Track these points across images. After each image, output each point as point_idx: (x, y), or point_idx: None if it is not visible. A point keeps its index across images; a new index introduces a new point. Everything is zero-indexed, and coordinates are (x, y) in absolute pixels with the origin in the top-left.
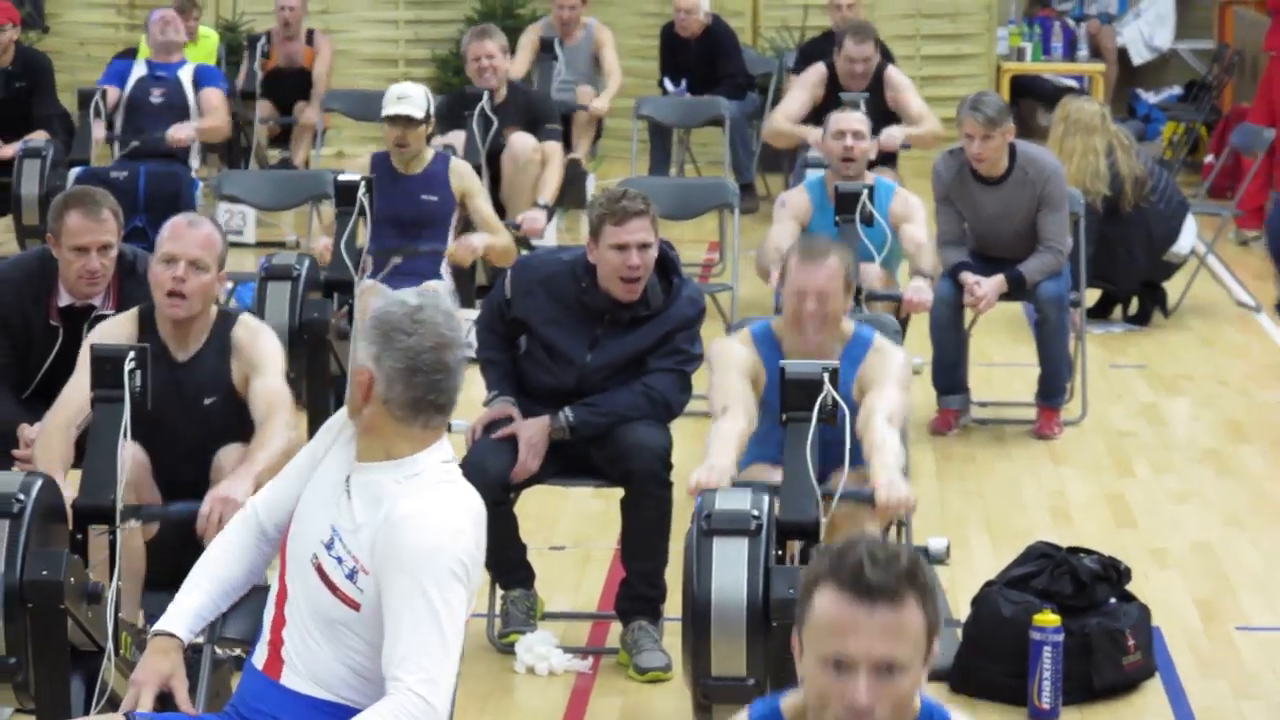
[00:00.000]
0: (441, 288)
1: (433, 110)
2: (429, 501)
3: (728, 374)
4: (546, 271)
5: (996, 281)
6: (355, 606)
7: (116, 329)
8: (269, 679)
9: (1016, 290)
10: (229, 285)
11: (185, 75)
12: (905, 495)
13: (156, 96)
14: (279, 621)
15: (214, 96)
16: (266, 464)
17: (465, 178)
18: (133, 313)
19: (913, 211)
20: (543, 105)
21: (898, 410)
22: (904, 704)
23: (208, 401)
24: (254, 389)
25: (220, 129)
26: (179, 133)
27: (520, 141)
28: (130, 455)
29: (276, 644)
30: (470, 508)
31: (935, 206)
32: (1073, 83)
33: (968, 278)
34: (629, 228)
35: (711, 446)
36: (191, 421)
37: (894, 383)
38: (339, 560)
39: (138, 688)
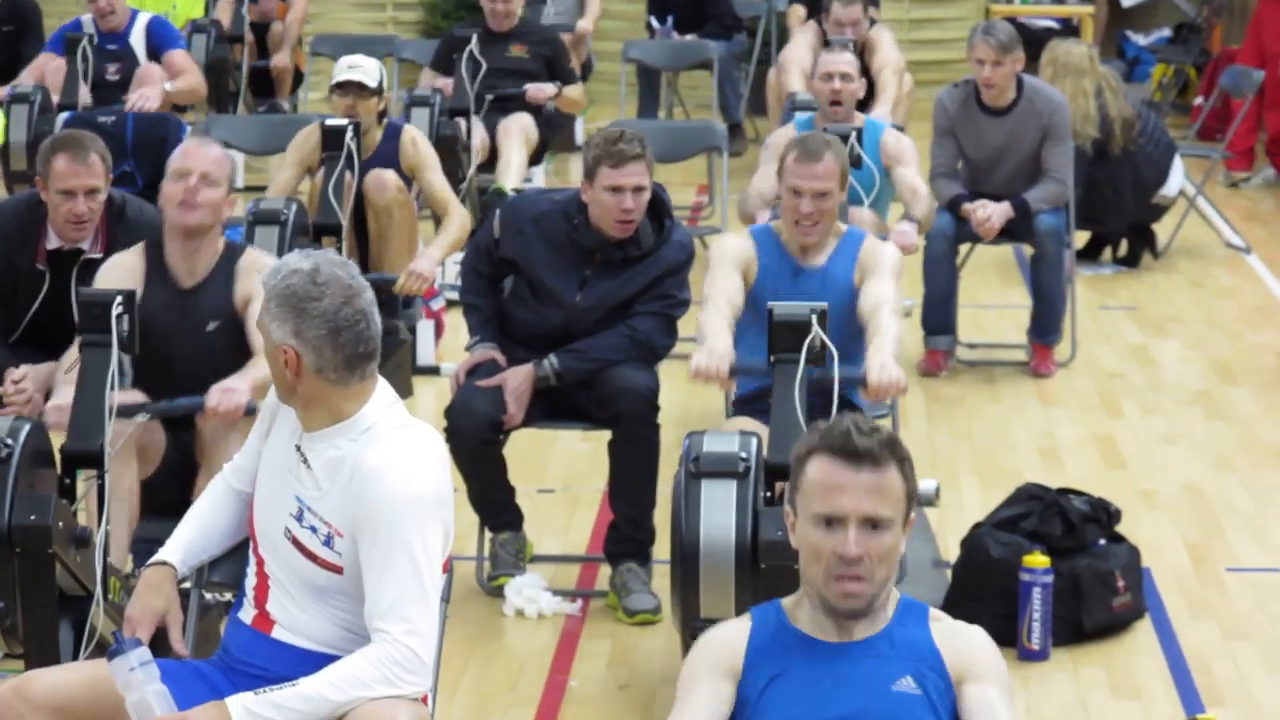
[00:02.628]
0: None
1: (385, 84)
2: (391, 451)
3: (719, 266)
4: (537, 211)
5: (1003, 208)
6: (338, 570)
7: (125, 260)
8: (259, 632)
9: (1021, 218)
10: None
11: (137, 39)
12: (896, 378)
13: (112, 73)
14: (262, 591)
15: (179, 58)
16: (260, 378)
17: (415, 152)
18: (139, 246)
19: (905, 152)
20: (558, 46)
21: (898, 303)
22: (887, 557)
23: (211, 327)
24: (252, 313)
25: (196, 90)
26: (148, 103)
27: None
28: (134, 424)
29: (263, 605)
30: (431, 446)
31: (933, 140)
32: (1054, 24)
33: (971, 205)
34: (625, 171)
35: (705, 332)
36: (194, 347)
37: (892, 275)
38: (312, 530)
39: (132, 626)
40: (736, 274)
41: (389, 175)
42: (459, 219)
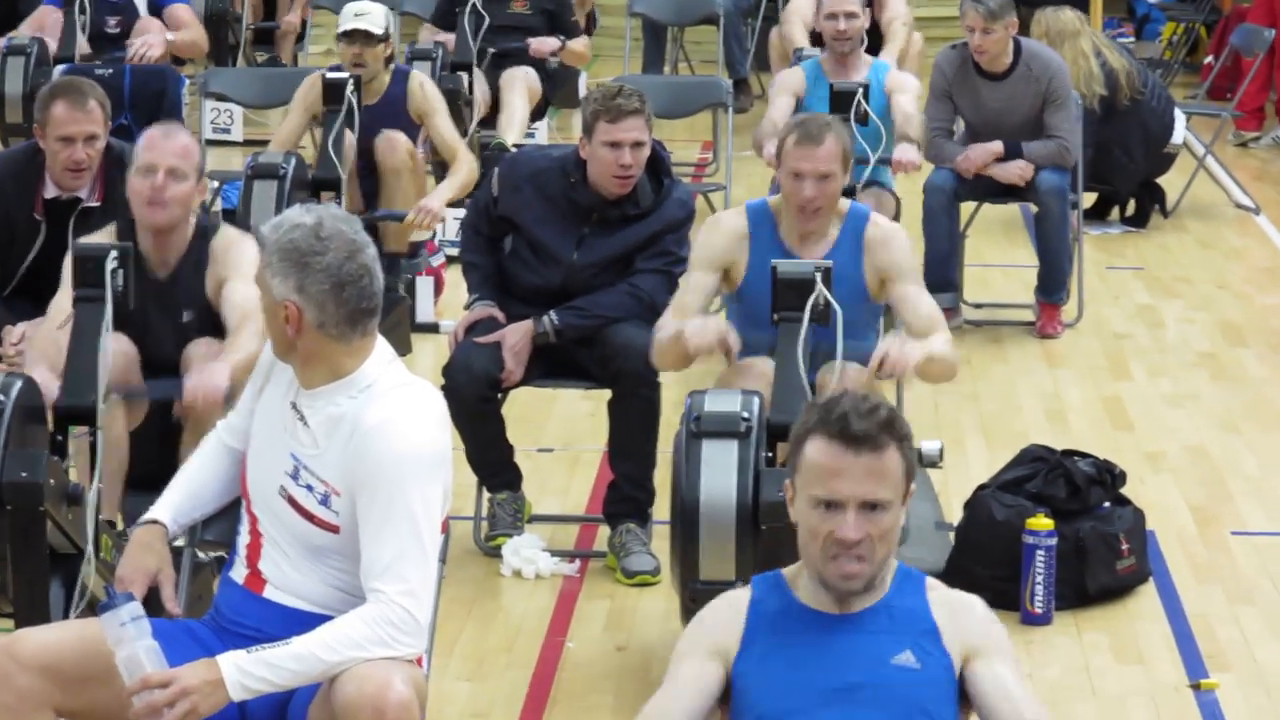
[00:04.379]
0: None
1: (392, 30)
2: (391, 408)
3: (696, 267)
4: (535, 168)
5: (990, 147)
6: (335, 530)
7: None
8: (251, 592)
9: (1012, 158)
10: (214, 184)
11: None
12: (906, 365)
13: (112, 26)
14: (255, 550)
15: (181, 11)
16: (243, 357)
17: (423, 97)
18: (110, 228)
19: (906, 81)
20: (563, 3)
21: (941, 317)
22: (886, 536)
23: (186, 318)
24: (226, 295)
25: (197, 43)
26: (150, 51)
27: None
28: (120, 349)
29: (255, 564)
30: (431, 403)
31: (929, 100)
32: None
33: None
34: (623, 126)
35: (673, 324)
36: (170, 336)
37: (920, 283)
38: (309, 488)
39: (124, 585)
40: (711, 275)
41: (400, 138)
42: (467, 163)
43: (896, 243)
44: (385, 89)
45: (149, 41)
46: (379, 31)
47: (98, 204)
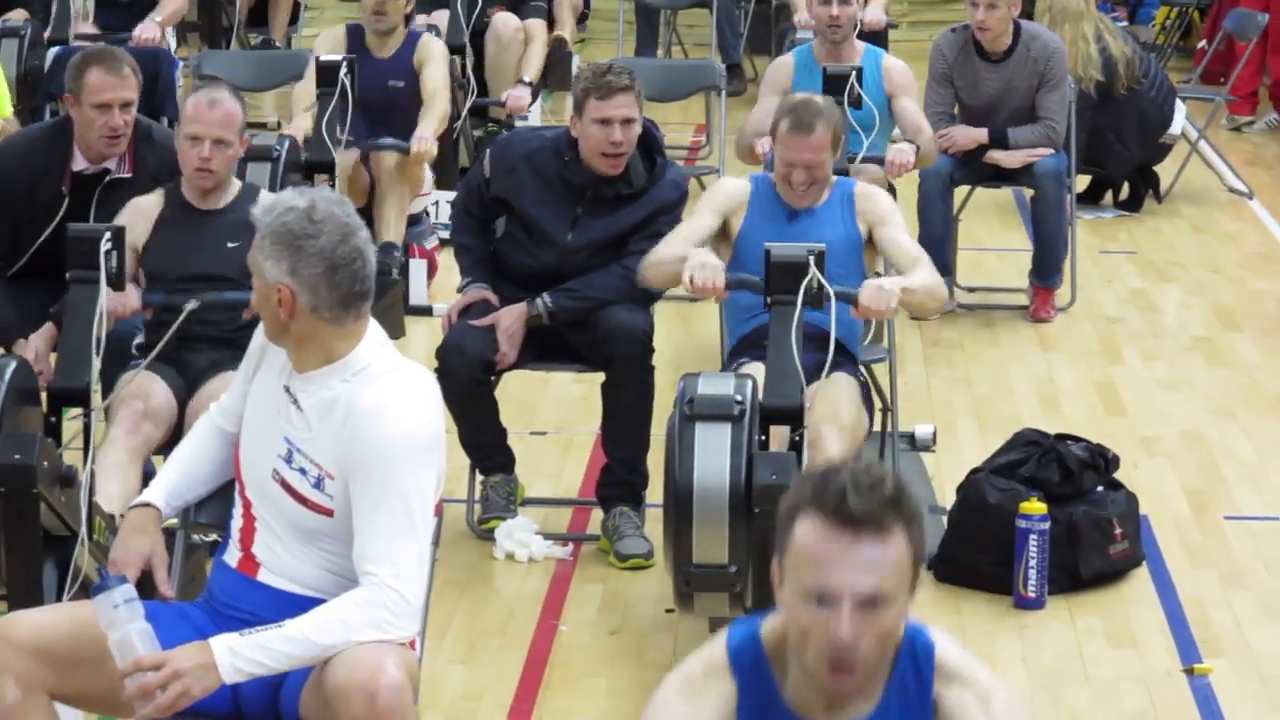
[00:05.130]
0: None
1: None
2: (386, 392)
3: (698, 210)
4: (528, 148)
5: (975, 132)
6: (328, 513)
7: (144, 201)
8: (244, 575)
9: (997, 146)
10: None
11: None
12: (888, 305)
13: None
14: (248, 533)
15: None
16: None
17: (426, 50)
18: (159, 191)
19: (911, 84)
20: None
21: (923, 253)
22: (888, 637)
23: (231, 245)
24: None
25: (178, 11)
26: (144, 33)
27: (503, 21)
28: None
29: (248, 548)
30: (426, 386)
31: (928, 84)
32: None
33: (944, 130)
34: (613, 103)
35: (675, 253)
36: (214, 262)
37: (903, 224)
38: (302, 471)
39: (117, 568)
40: (714, 217)
41: (511, 16)
42: (442, 100)
43: (880, 195)
44: (399, 45)
45: (144, 27)
46: None
47: (128, 175)
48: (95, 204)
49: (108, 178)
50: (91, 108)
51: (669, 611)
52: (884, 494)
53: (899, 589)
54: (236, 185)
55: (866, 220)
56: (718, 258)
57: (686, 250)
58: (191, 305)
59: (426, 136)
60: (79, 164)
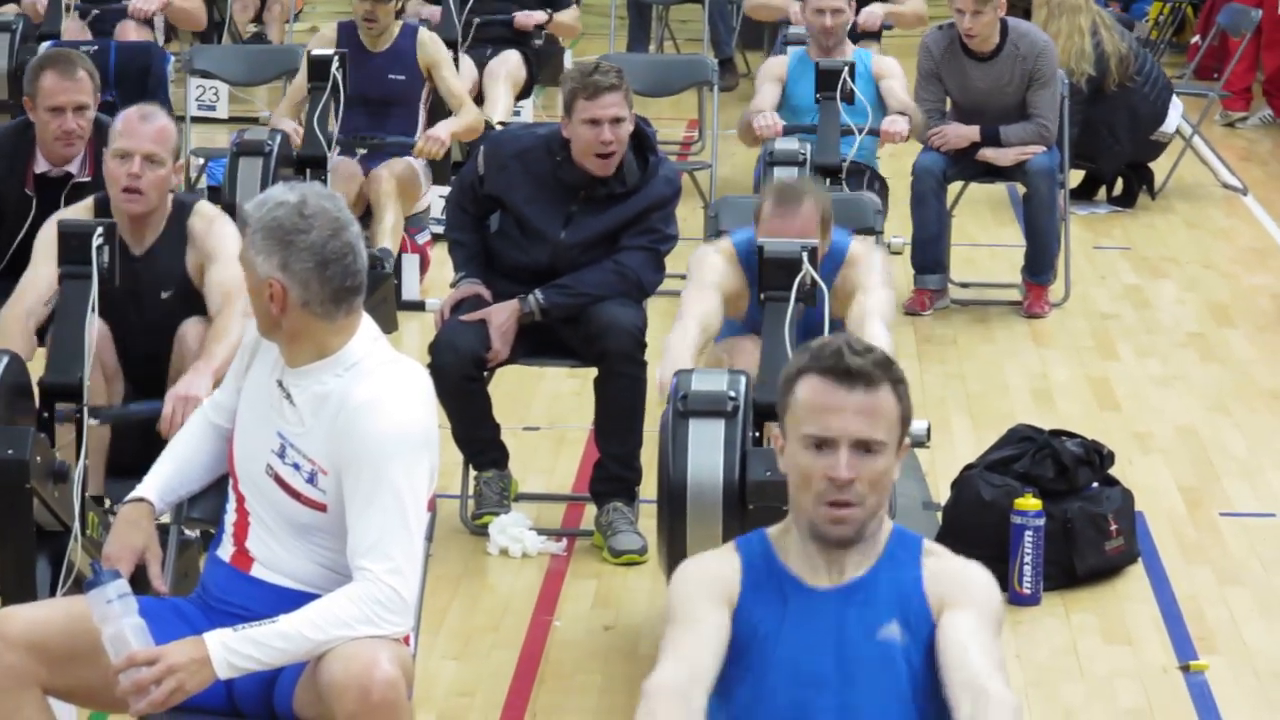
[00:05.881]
0: (416, 163)
1: None
2: (378, 386)
3: (698, 285)
4: (521, 146)
5: (967, 130)
6: (322, 508)
7: (72, 217)
8: (238, 570)
9: (989, 145)
10: (199, 161)
11: None
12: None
13: None
14: (242, 528)
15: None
16: (224, 357)
17: (432, 49)
18: (88, 203)
19: (892, 68)
20: None
21: (889, 309)
22: (880, 483)
23: (165, 295)
24: (209, 279)
25: (194, 14)
26: (148, 4)
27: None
28: (95, 330)
29: (242, 543)
30: (418, 381)
31: (917, 82)
32: None
33: (936, 128)
34: (601, 102)
35: (670, 351)
36: (149, 314)
37: (881, 283)
38: (295, 466)
39: (111, 563)
40: (714, 292)
41: (383, 173)
42: (474, 109)
43: (874, 259)
44: (395, 39)
45: (141, 6)
46: None
47: (89, 179)
48: (63, 207)
49: (71, 181)
50: (45, 110)
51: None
52: (875, 355)
53: (889, 440)
54: (168, 208)
55: (846, 284)
56: (721, 320)
57: (700, 339)
58: (92, 424)
59: (440, 136)
60: (41, 166)
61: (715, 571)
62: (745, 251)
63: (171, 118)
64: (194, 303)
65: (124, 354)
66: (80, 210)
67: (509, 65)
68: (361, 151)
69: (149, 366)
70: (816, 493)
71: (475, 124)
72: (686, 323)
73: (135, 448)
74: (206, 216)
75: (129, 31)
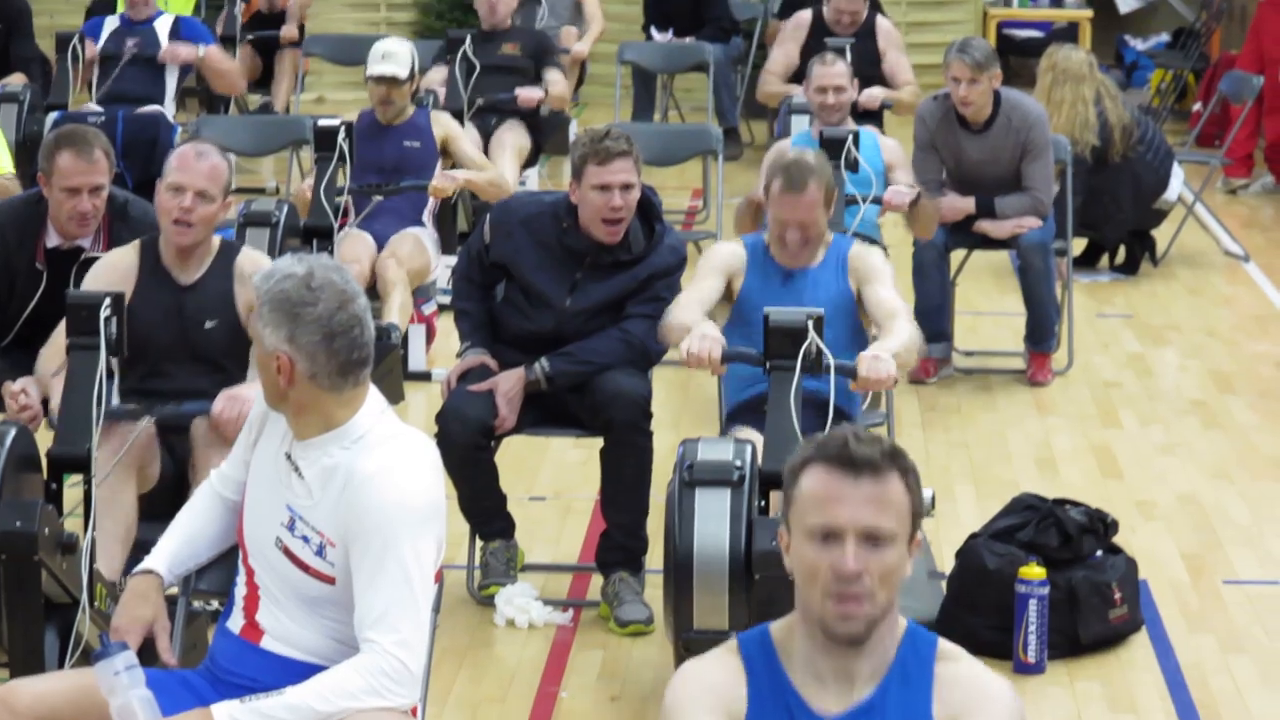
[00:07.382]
0: (424, 235)
1: (417, 67)
2: (386, 458)
3: (701, 272)
4: (527, 213)
5: (963, 202)
6: (330, 581)
7: (118, 259)
8: (248, 643)
9: (985, 216)
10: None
11: (162, 26)
12: (886, 374)
13: (130, 48)
14: (252, 601)
15: (217, 53)
16: None
17: (447, 124)
18: (135, 244)
19: (901, 157)
20: (546, 39)
21: (901, 305)
22: (890, 578)
23: (209, 325)
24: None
25: (231, 75)
26: (178, 57)
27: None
28: (141, 427)
29: (252, 615)
30: (426, 453)
31: (914, 153)
32: (1037, 33)
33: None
34: (612, 168)
35: (681, 321)
36: (192, 343)
37: (891, 282)
38: (305, 539)
39: (119, 636)
40: (719, 278)
41: (390, 262)
42: (496, 169)
43: (872, 254)
44: (410, 116)
45: (177, 51)
46: (404, 75)
47: (101, 253)
48: (73, 281)
49: (82, 255)
50: (60, 191)
51: None
52: (883, 445)
53: (898, 531)
54: (215, 245)
55: (856, 278)
56: (718, 297)
57: (695, 317)
58: (145, 423)
59: (456, 176)
60: (53, 240)
61: (717, 682)
62: (751, 243)
63: (224, 157)
64: (237, 337)
65: (167, 385)
66: (126, 251)
67: (514, 134)
68: (377, 199)
69: (188, 397)
70: (824, 587)
71: (494, 180)
72: (686, 298)
73: (169, 495)
74: (254, 259)
75: (179, 54)
